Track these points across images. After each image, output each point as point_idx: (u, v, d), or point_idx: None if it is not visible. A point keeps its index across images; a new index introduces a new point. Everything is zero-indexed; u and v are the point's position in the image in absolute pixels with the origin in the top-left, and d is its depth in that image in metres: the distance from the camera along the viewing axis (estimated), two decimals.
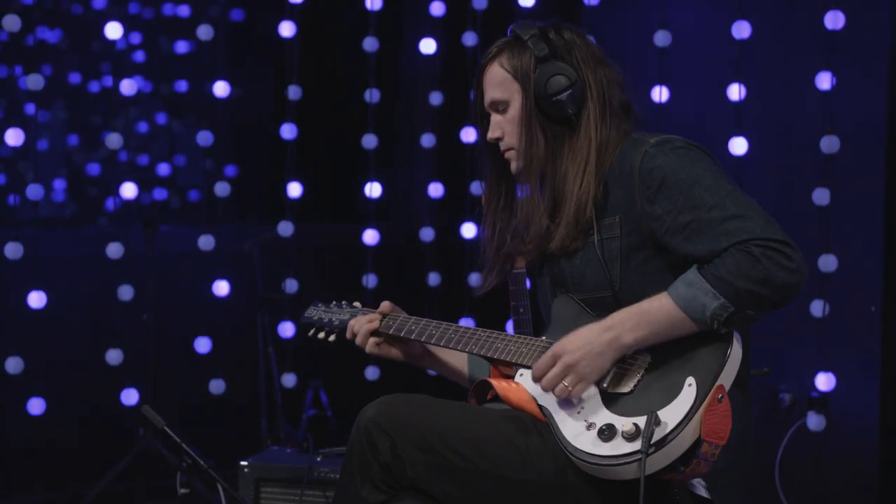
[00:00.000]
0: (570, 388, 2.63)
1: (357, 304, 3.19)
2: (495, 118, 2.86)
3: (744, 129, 4.83)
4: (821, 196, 4.64)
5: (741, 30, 4.84)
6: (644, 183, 2.68)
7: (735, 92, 4.86)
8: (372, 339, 3.03)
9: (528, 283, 3.20)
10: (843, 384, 4.68)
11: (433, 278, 5.86)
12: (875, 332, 4.71)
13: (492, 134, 2.86)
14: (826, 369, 4.62)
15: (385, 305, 3.06)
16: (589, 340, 2.65)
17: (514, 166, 2.85)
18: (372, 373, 5.69)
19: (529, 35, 2.80)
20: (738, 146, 4.82)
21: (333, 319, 3.16)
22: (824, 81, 4.68)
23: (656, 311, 2.62)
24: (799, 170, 4.87)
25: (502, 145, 2.86)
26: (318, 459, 3.89)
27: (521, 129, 2.81)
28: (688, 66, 5.19)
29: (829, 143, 4.64)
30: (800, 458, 4.83)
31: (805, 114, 4.86)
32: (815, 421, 4.66)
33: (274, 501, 3.90)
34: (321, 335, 3.18)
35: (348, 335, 3.08)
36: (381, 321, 3.03)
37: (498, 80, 2.84)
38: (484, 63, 2.87)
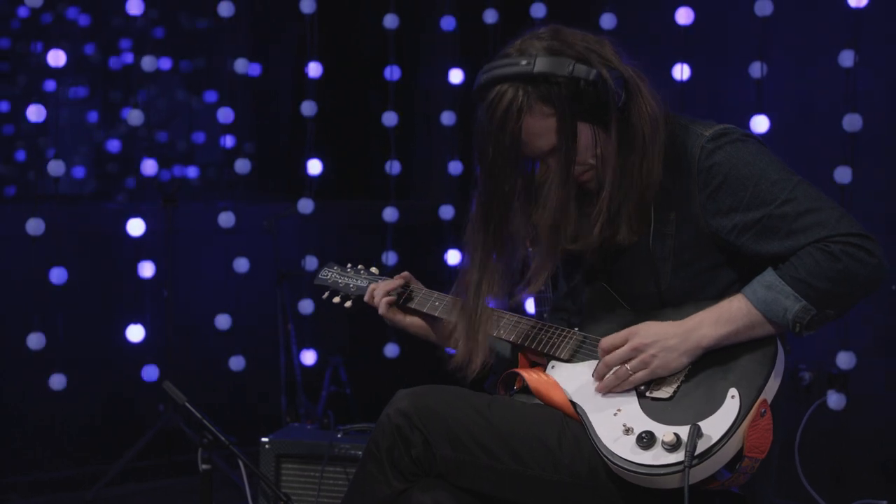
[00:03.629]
0: (630, 373, 2.56)
1: (374, 269, 3.16)
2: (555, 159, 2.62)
3: (765, 107, 4.81)
4: (842, 174, 4.62)
5: (763, 7, 4.81)
6: (704, 181, 2.58)
7: (757, 70, 4.83)
8: (385, 300, 3.00)
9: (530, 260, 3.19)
10: (864, 362, 4.66)
11: (453, 256, 5.85)
12: (895, 309, 4.70)
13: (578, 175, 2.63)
14: (846, 348, 4.60)
15: (405, 275, 3.04)
16: (665, 331, 2.57)
17: (591, 184, 2.65)
18: (391, 350, 5.69)
19: (545, 66, 2.54)
20: (760, 124, 4.80)
21: (350, 285, 3.13)
22: (847, 59, 4.66)
23: (735, 311, 2.54)
24: (821, 148, 4.85)
25: (577, 170, 2.63)
26: (339, 436, 3.89)
27: (594, 150, 2.60)
28: (710, 43, 5.16)
29: (851, 121, 4.61)
30: (819, 437, 4.82)
31: (827, 92, 4.83)
32: (835, 399, 4.65)
33: (295, 478, 3.91)
34: (336, 299, 3.15)
35: (367, 298, 3.05)
36: (405, 291, 3.00)
37: (544, 130, 2.58)
38: (511, 125, 2.56)
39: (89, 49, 6.20)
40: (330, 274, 3.18)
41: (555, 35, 2.60)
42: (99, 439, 5.45)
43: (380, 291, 3.01)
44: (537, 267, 2.71)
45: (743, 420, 2.44)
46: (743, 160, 2.58)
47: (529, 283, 2.72)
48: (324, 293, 3.19)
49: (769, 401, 2.49)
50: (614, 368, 2.59)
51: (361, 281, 3.13)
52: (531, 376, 2.71)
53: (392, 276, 3.07)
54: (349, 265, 3.18)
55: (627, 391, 2.59)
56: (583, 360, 2.70)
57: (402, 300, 3.01)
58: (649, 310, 2.67)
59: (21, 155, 5.91)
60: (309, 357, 5.63)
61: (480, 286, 2.72)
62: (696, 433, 2.42)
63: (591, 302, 2.78)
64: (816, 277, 2.48)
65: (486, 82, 2.60)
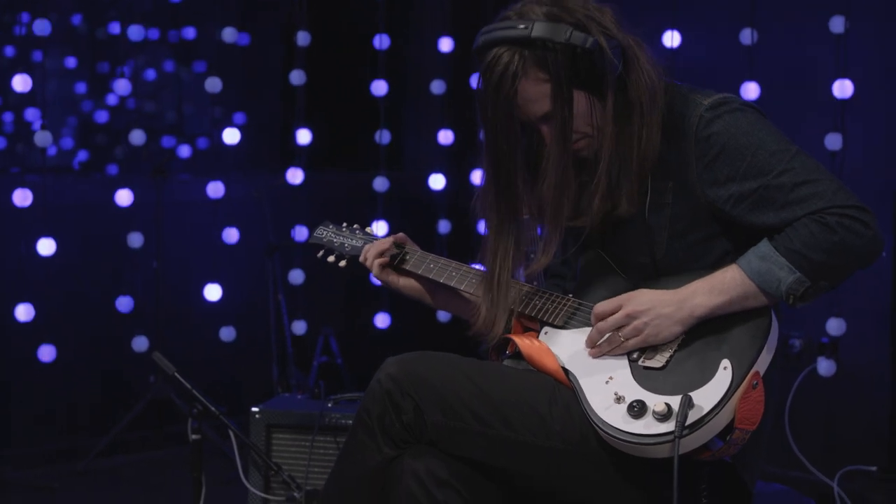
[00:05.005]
0: (622, 340, 2.56)
1: (369, 229, 3.15)
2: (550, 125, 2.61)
3: (756, 74, 4.80)
4: (833, 141, 4.61)
5: None
6: (701, 150, 2.56)
7: (747, 36, 4.82)
8: (378, 261, 2.98)
9: (538, 230, 3.18)
10: (854, 330, 4.66)
11: (443, 225, 5.85)
12: (886, 277, 4.69)
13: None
14: (837, 315, 4.60)
15: (399, 236, 3.03)
16: (659, 299, 2.56)
17: (586, 152, 2.64)
18: (382, 320, 5.69)
19: (542, 31, 2.52)
20: (751, 91, 4.79)
21: (345, 244, 3.11)
22: (838, 25, 4.64)
23: (729, 281, 2.52)
24: (811, 115, 4.84)
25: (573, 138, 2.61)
26: (329, 406, 3.89)
27: (590, 119, 2.58)
28: (700, 10, 5.14)
29: (842, 88, 4.60)
30: (810, 404, 4.83)
31: (818, 58, 4.82)
32: (825, 366, 4.66)
33: (285, 447, 3.90)
34: (330, 258, 3.13)
35: (361, 258, 3.04)
36: (400, 253, 3.00)
37: (539, 95, 2.57)
38: (506, 88, 2.55)
39: (76, 19, 6.17)
40: (325, 233, 3.16)
41: (556, 1, 2.58)
42: (89, 411, 5.45)
43: (373, 252, 3.00)
44: (546, 239, 2.70)
45: (735, 392, 2.43)
46: (741, 130, 2.55)
47: (539, 256, 2.71)
48: (318, 252, 3.17)
49: (761, 373, 2.48)
50: (606, 335, 2.59)
51: (356, 241, 3.11)
52: (523, 342, 2.71)
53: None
54: (344, 224, 3.16)
55: (619, 359, 2.58)
56: (576, 327, 2.69)
57: (396, 261, 3.00)
58: (644, 278, 2.66)
59: (8, 126, 5.89)
60: (300, 327, 5.62)
61: (497, 251, 2.72)
62: (688, 403, 2.42)
63: (586, 269, 2.77)
64: (812, 249, 2.46)
65: (483, 44, 2.59)
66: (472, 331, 2.82)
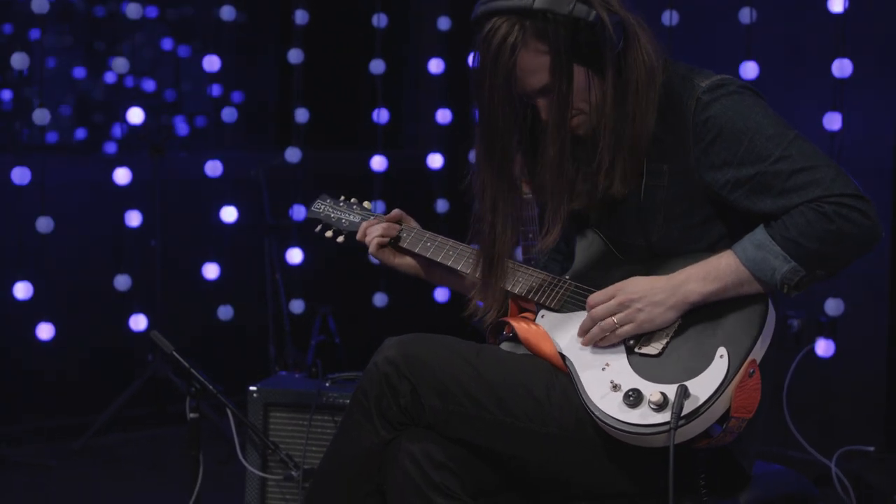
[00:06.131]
0: (616, 326, 2.54)
1: (367, 204, 3.13)
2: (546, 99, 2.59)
3: (755, 53, 4.78)
4: (832, 120, 4.60)
5: None
6: (699, 134, 2.54)
7: (746, 15, 4.80)
8: (376, 241, 2.97)
9: (536, 209, 3.17)
10: (852, 309, 4.66)
11: (441, 205, 5.84)
12: (884, 257, 4.70)
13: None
14: (835, 295, 4.60)
15: (395, 213, 3.02)
16: (652, 285, 2.54)
17: (581, 130, 2.61)
18: (380, 299, 5.69)
19: (545, 2, 2.49)
20: (750, 70, 4.77)
21: (343, 220, 3.10)
22: (837, 4, 4.62)
23: (724, 268, 2.51)
24: (810, 94, 4.83)
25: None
26: (327, 385, 3.88)
27: (587, 95, 2.55)
28: None
29: (842, 67, 4.59)
30: (808, 384, 4.83)
31: (817, 37, 4.80)
32: (823, 346, 4.66)
33: (283, 426, 3.90)
34: (328, 234, 3.12)
35: (359, 236, 3.03)
36: (398, 233, 2.99)
37: (538, 67, 2.53)
38: (504, 59, 2.52)
39: None
40: (323, 207, 3.14)
41: None
42: (87, 389, 5.45)
43: (372, 232, 2.99)
44: (549, 219, 2.68)
45: (731, 381, 2.42)
46: (739, 113, 2.53)
47: (544, 235, 2.69)
48: (316, 226, 3.16)
49: (758, 361, 2.47)
50: (600, 322, 2.58)
51: (354, 216, 3.09)
52: (521, 326, 2.70)
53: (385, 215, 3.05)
54: (342, 198, 3.15)
55: (616, 347, 2.57)
56: (572, 309, 2.68)
57: (393, 240, 3.00)
58: (640, 260, 2.65)
59: (7, 104, 5.88)
60: (297, 306, 5.62)
61: (494, 230, 2.70)
62: (683, 393, 2.41)
63: (583, 250, 2.76)
64: (807, 238, 2.44)
65: (482, 14, 2.57)
66: (468, 311, 2.82)
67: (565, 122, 2.57)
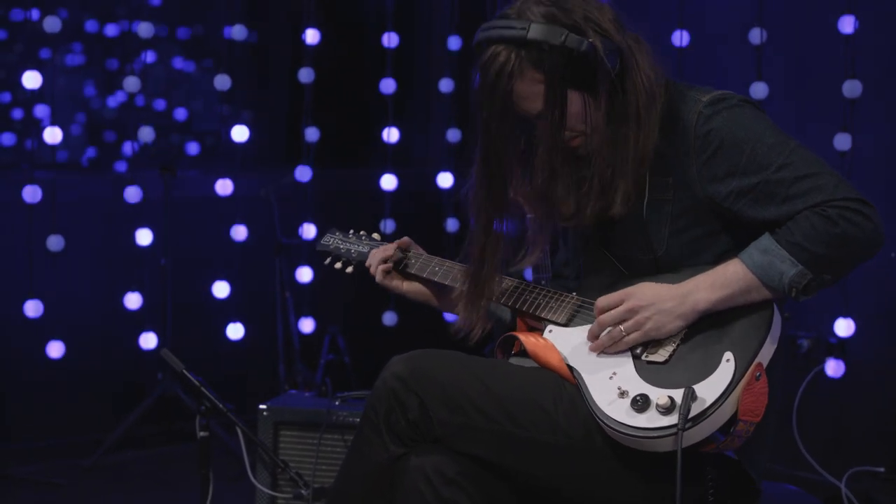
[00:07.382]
0: (624, 334, 2.57)
1: (376, 235, 3.15)
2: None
3: (765, 74, 4.79)
4: (842, 141, 4.60)
5: None
6: (700, 147, 2.56)
7: (756, 36, 4.81)
8: (381, 268, 3.00)
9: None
10: (863, 330, 4.65)
11: (451, 224, 5.84)
12: (893, 278, 4.69)
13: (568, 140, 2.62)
14: (845, 315, 4.60)
15: (404, 241, 3.04)
16: (661, 293, 2.57)
17: (582, 150, 2.63)
18: (389, 318, 5.69)
19: (538, 33, 2.54)
20: (760, 91, 4.78)
21: (352, 250, 3.12)
22: (847, 25, 4.63)
23: (731, 275, 2.53)
24: (820, 114, 4.83)
25: (567, 136, 2.62)
26: (337, 404, 3.89)
27: (584, 118, 2.58)
28: (708, 9, 5.14)
29: (852, 88, 4.59)
30: (817, 405, 4.82)
31: (827, 58, 4.81)
32: (833, 367, 4.65)
33: (293, 445, 3.91)
34: (338, 265, 3.14)
35: (367, 264, 3.05)
36: (404, 257, 3.00)
37: (534, 95, 2.58)
38: (502, 86, 2.56)
39: (86, 16, 6.17)
40: (332, 240, 3.17)
41: (555, 0, 2.59)
42: (97, 407, 5.45)
43: (376, 259, 3.01)
44: (533, 237, 2.73)
45: (738, 384, 2.45)
46: (740, 125, 2.56)
47: (526, 254, 2.74)
48: (325, 259, 3.18)
49: (765, 364, 2.49)
50: (608, 329, 2.59)
51: (363, 247, 3.12)
52: (528, 339, 2.72)
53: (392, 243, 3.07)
54: (351, 231, 3.18)
55: (623, 354, 2.60)
56: (580, 324, 2.71)
57: (400, 266, 3.01)
58: (646, 275, 2.66)
59: (18, 123, 5.89)
60: (307, 325, 5.63)
61: (485, 250, 2.73)
62: (691, 396, 2.43)
63: (589, 267, 2.78)
64: (813, 242, 2.47)
65: (481, 41, 2.63)
66: (452, 330, 2.83)
67: (557, 146, 2.60)
